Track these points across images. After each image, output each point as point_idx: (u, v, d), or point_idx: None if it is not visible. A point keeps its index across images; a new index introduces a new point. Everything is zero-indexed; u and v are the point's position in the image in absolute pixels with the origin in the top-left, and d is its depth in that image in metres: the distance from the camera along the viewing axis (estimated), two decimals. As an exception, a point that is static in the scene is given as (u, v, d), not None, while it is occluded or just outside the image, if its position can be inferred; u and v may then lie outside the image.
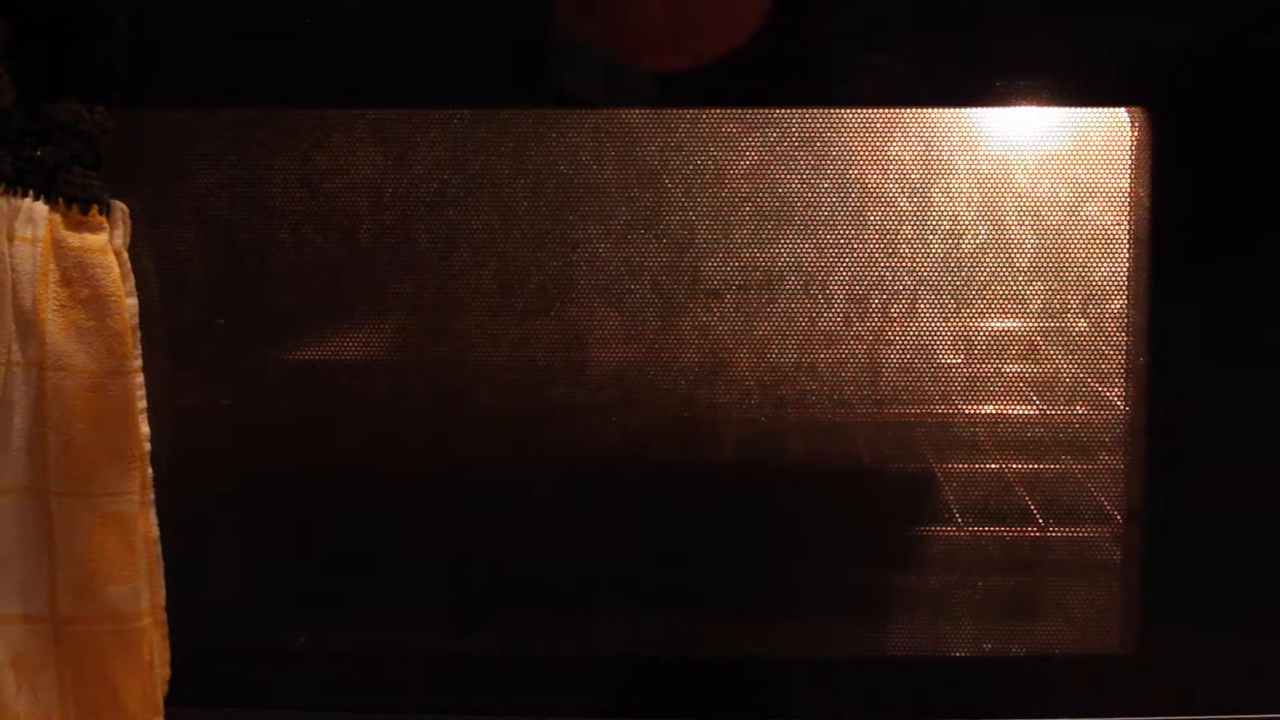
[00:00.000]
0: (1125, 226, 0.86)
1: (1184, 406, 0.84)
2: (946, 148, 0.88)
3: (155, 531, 0.81)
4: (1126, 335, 0.86)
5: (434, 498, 0.94)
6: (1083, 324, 0.89)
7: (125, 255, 0.80)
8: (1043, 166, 0.88)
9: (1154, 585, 0.85)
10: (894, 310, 0.89)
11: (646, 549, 0.91)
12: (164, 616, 0.82)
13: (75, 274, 0.77)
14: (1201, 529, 0.84)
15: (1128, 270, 0.86)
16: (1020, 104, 0.81)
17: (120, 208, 0.80)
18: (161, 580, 0.82)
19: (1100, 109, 0.84)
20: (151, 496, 0.81)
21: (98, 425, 0.77)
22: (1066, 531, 0.90)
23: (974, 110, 0.87)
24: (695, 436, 0.93)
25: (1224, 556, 0.84)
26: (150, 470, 0.81)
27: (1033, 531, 0.91)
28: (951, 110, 0.87)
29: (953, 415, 0.91)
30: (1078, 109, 0.85)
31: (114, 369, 0.78)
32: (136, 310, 0.80)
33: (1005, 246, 0.89)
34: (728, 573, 0.92)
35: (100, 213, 0.78)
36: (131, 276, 0.80)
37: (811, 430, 0.92)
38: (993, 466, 0.91)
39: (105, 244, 0.78)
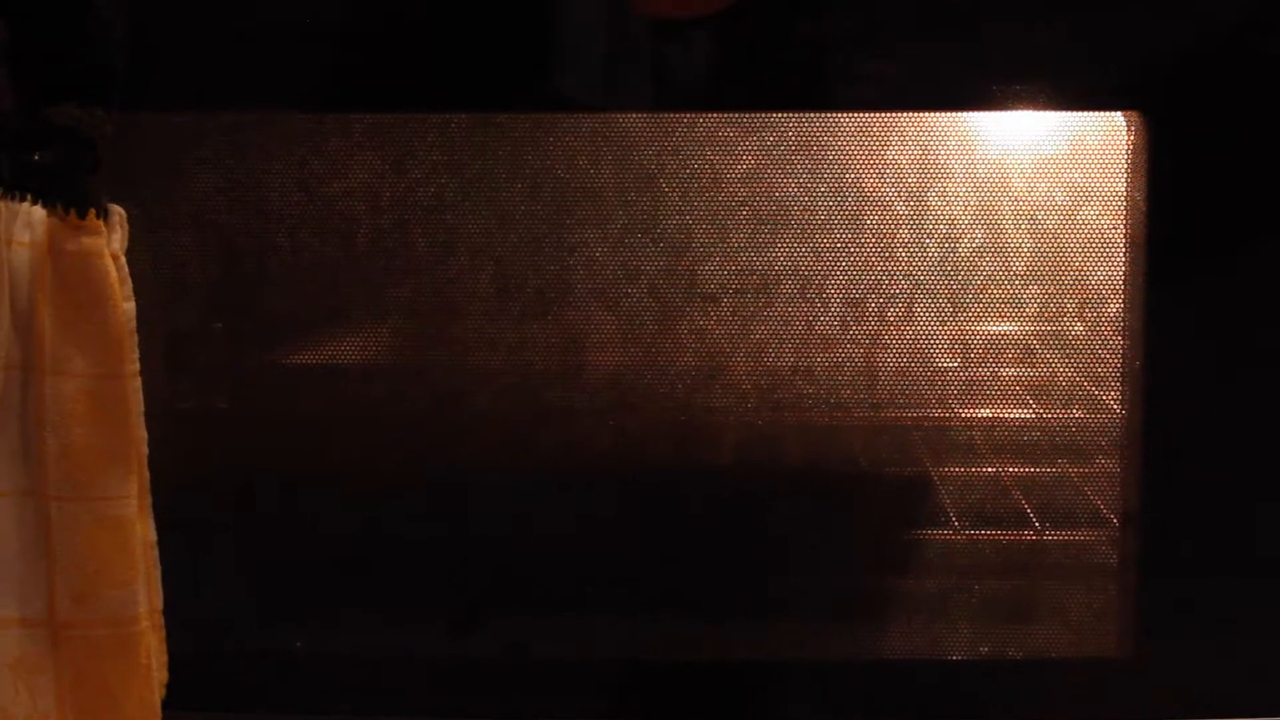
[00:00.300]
0: (1121, 230, 0.86)
1: (1180, 410, 0.84)
2: (943, 152, 0.88)
3: (153, 535, 0.81)
4: (1123, 339, 0.86)
5: (432, 501, 0.94)
6: (1079, 327, 0.89)
7: (123, 259, 0.80)
8: (1039, 170, 0.88)
9: (1150, 589, 0.85)
10: (890, 314, 0.90)
11: (644, 552, 0.92)
12: (161, 620, 0.82)
13: (73, 278, 0.77)
14: (1198, 532, 0.84)
15: (1124, 274, 0.86)
16: (1017, 108, 0.81)
17: (118, 212, 0.80)
18: (159, 584, 0.82)
19: (1097, 113, 0.85)
20: (149, 500, 0.81)
21: (96, 429, 0.78)
22: (1063, 535, 0.90)
23: (970, 115, 0.87)
24: (692, 440, 0.93)
25: (1221, 560, 0.84)
26: (148, 474, 0.81)
27: (1029, 535, 0.91)
28: (948, 115, 0.87)
29: (949, 419, 0.91)
30: (1074, 113, 0.86)
31: (111, 373, 0.78)
32: (134, 314, 0.80)
33: (1002, 250, 0.89)
34: (726, 576, 0.92)
35: (98, 217, 0.78)
36: (129, 281, 0.80)
37: (808, 434, 0.92)
38: (989, 470, 0.91)
39: (103, 248, 0.78)
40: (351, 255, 0.91)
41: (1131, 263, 0.85)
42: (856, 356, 0.90)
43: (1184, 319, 0.84)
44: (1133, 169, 0.84)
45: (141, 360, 0.80)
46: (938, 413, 0.91)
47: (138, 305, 0.80)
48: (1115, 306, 0.87)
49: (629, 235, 0.90)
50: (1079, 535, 0.90)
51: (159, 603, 0.82)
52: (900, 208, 0.89)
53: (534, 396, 0.93)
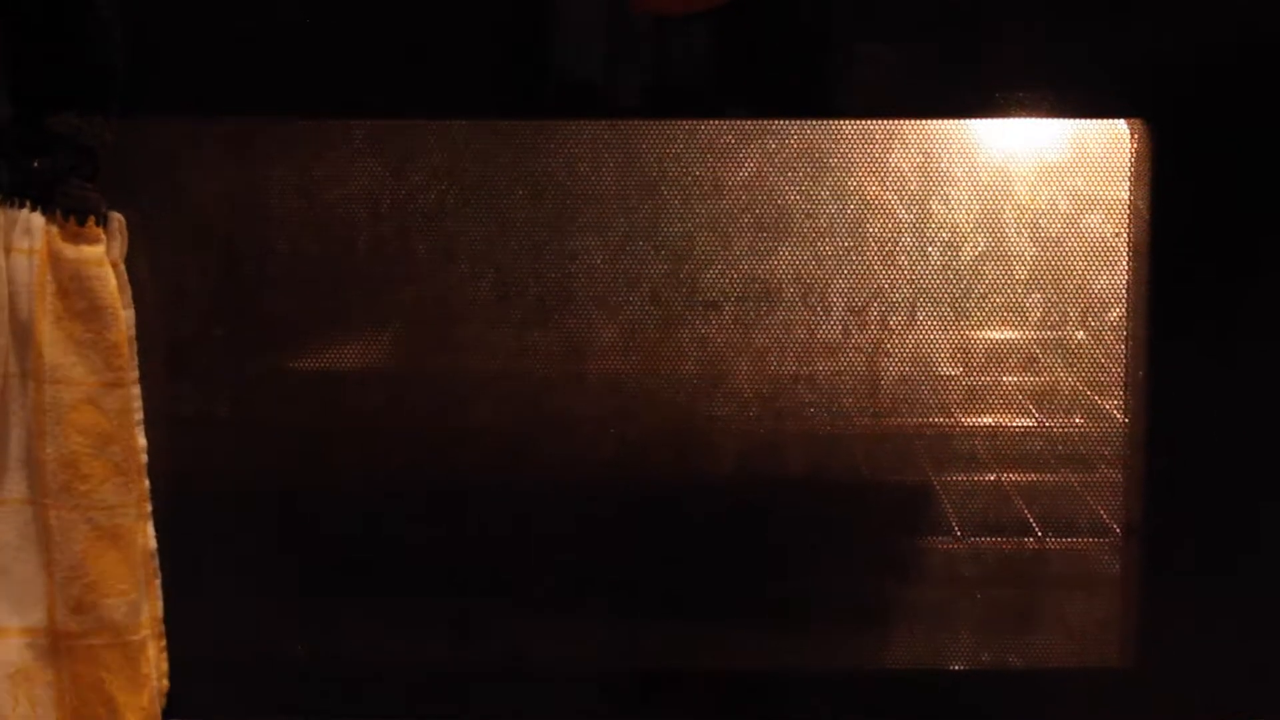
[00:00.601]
0: (1124, 237, 0.86)
1: (1183, 418, 0.84)
2: (946, 158, 0.88)
3: (153, 544, 0.81)
4: (1125, 346, 0.86)
5: (432, 508, 0.93)
6: (1082, 335, 0.88)
7: (122, 267, 0.80)
8: (1042, 177, 0.87)
9: (1153, 598, 0.85)
10: (893, 321, 0.89)
11: (645, 559, 0.91)
12: (163, 629, 0.82)
13: (72, 286, 0.77)
14: (1201, 541, 0.84)
15: (1127, 281, 0.86)
16: (1020, 115, 0.81)
17: (117, 219, 0.79)
18: (159, 592, 0.82)
19: (1100, 121, 0.84)
20: (149, 509, 0.81)
21: (95, 438, 0.77)
22: (1065, 544, 0.90)
23: (973, 122, 0.87)
24: (694, 448, 0.93)
25: (1225, 569, 0.84)
26: (147, 482, 0.81)
27: (1031, 543, 0.91)
28: (951, 121, 0.87)
29: (951, 426, 0.91)
30: (1078, 120, 0.85)
31: (111, 381, 0.78)
32: (133, 322, 0.80)
33: (1004, 257, 0.88)
34: (726, 583, 0.92)
35: (97, 224, 0.78)
36: (129, 288, 0.80)
37: (810, 441, 0.92)
38: (991, 478, 0.91)
39: (102, 256, 0.78)
40: (352, 261, 0.91)
41: (1134, 270, 0.85)
42: (859, 363, 0.90)
43: (1187, 327, 0.83)
44: (1136, 176, 0.84)
45: (142, 366, 0.80)
46: (940, 420, 0.91)
47: (138, 311, 0.80)
48: (1118, 314, 0.86)
49: (630, 242, 0.90)
50: (1081, 544, 0.90)
51: (160, 611, 0.82)
52: (903, 214, 0.88)
53: (535, 403, 0.93)
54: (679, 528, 0.92)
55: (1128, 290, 0.86)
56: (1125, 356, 0.86)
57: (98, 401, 0.77)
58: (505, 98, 0.84)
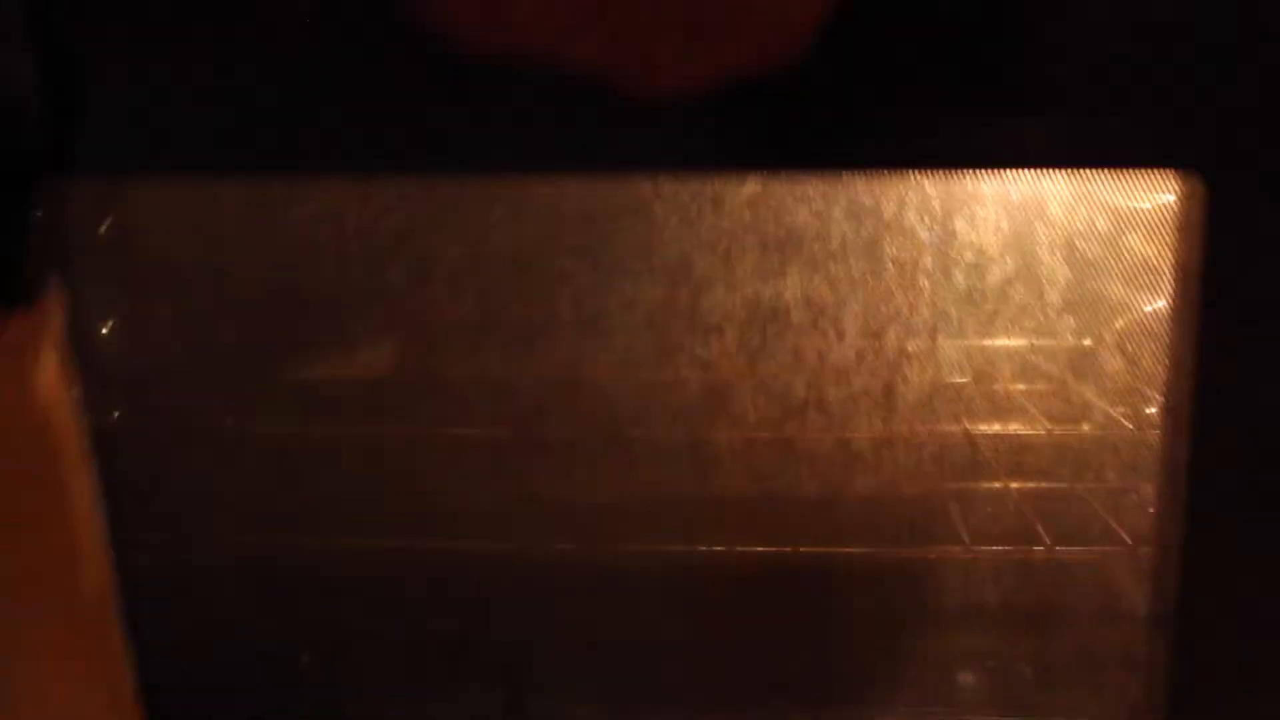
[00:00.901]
0: (1168, 259, 0.77)
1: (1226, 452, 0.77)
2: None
3: (118, 631, 0.77)
4: (1165, 371, 0.79)
5: (418, 531, 0.89)
6: (1119, 360, 0.82)
7: (62, 344, 0.72)
8: (1078, 193, 0.79)
9: (1186, 652, 0.80)
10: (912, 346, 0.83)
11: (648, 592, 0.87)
12: (138, 707, 0.79)
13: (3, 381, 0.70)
14: (1240, 589, 0.78)
15: (1169, 305, 0.78)
16: (1065, 167, 0.71)
17: (55, 291, 0.72)
18: (128, 674, 0.78)
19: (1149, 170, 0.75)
20: (113, 588, 0.77)
21: (39, 541, 0.72)
22: (1090, 570, 0.85)
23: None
24: (695, 475, 0.88)
25: (1263, 621, 0.78)
26: (109, 567, 0.76)
27: (1050, 559, 0.86)
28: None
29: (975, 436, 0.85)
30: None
31: (54, 481, 0.72)
32: (78, 403, 0.73)
33: (1034, 278, 0.81)
34: (728, 604, 0.88)
35: (30, 303, 0.71)
36: (71, 368, 0.73)
37: (821, 467, 0.87)
38: (1008, 495, 0.86)
39: (35, 340, 0.71)
40: (327, 282, 0.85)
41: (1178, 292, 0.77)
42: (874, 388, 0.84)
43: (1232, 351, 0.76)
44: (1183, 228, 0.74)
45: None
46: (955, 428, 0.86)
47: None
48: (1160, 338, 0.79)
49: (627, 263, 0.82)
50: (1109, 578, 0.84)
51: (130, 691, 0.78)
52: (923, 234, 0.80)
53: (526, 431, 0.88)
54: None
55: (1170, 312, 0.78)
56: (1164, 381, 0.79)
57: (37, 507, 0.71)
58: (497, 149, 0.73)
